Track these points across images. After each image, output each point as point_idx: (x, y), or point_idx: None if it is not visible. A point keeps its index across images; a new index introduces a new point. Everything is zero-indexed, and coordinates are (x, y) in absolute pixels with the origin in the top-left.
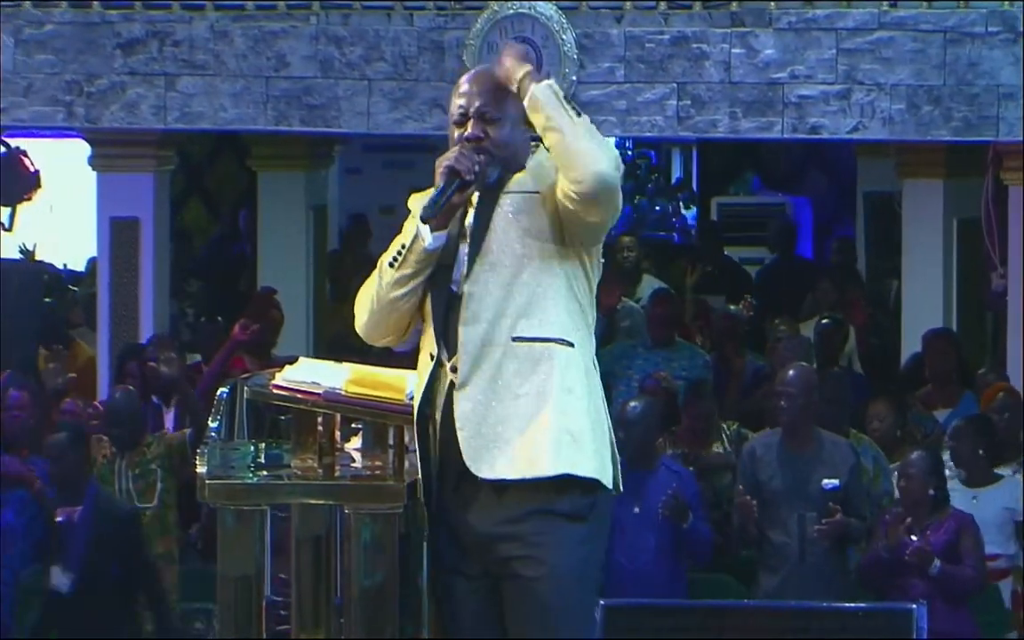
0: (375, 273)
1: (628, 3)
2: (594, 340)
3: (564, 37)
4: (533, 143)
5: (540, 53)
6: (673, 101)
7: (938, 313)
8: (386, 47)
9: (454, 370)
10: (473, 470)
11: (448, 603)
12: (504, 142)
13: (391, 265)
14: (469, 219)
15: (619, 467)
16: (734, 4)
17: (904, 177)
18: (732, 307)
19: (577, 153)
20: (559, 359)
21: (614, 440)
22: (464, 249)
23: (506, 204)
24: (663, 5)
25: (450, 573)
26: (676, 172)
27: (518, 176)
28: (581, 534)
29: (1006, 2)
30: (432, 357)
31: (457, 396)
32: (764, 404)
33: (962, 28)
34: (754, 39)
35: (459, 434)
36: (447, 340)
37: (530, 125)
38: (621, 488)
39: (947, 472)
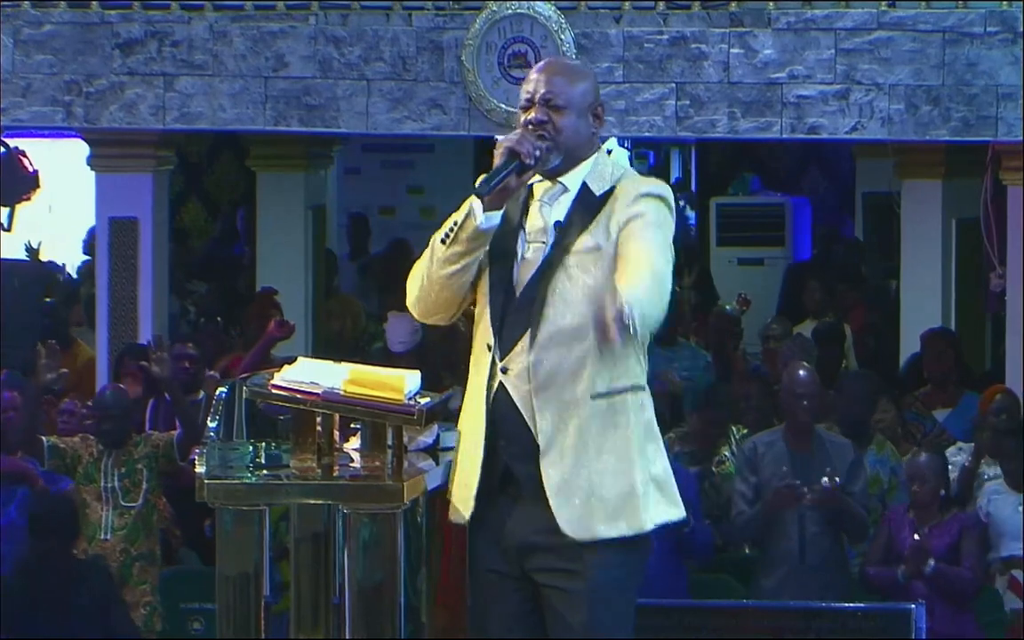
0: (427, 250)
1: (627, 3)
2: None
3: (563, 37)
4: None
5: (539, 53)
6: (672, 101)
7: (937, 313)
8: (385, 47)
9: (505, 372)
10: (571, 534)
11: (490, 603)
12: (567, 130)
13: (443, 242)
14: (533, 218)
15: None
16: (733, 4)
17: (903, 177)
18: (728, 307)
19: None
20: (634, 406)
21: None
22: (523, 244)
23: (571, 264)
24: (662, 5)
25: (492, 573)
26: (675, 173)
27: (582, 237)
28: (622, 550)
29: (1005, 2)
30: (489, 348)
31: (543, 463)
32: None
33: (961, 28)
34: (753, 39)
35: (551, 501)
36: (502, 339)
37: (597, 119)
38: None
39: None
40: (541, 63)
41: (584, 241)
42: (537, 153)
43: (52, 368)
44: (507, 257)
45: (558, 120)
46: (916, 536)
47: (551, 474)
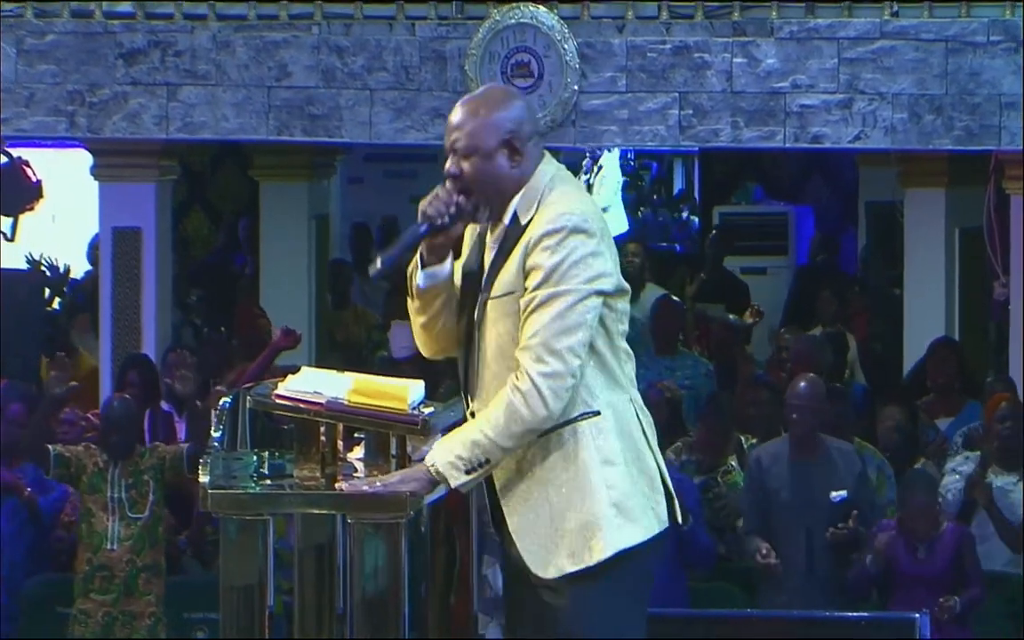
0: None
1: (630, 13)
2: (628, 379)
3: (566, 46)
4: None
5: (542, 63)
6: (675, 111)
7: (940, 322)
8: (388, 57)
9: (472, 416)
10: (542, 574)
11: (514, 607)
12: (477, 176)
13: (409, 296)
14: (486, 262)
15: (675, 499)
16: (736, 13)
17: (906, 186)
18: (732, 317)
19: (517, 444)
20: (588, 434)
21: (665, 475)
22: (484, 293)
23: (490, 312)
24: (665, 14)
25: (514, 581)
26: (678, 183)
27: (501, 278)
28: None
29: (1007, 12)
30: (464, 396)
31: (504, 506)
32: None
33: (964, 37)
34: (756, 48)
35: (519, 545)
36: (467, 385)
37: (515, 154)
38: (679, 518)
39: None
40: (457, 103)
41: (503, 282)
42: (452, 210)
43: (61, 380)
44: (471, 302)
45: (467, 167)
46: (941, 601)
47: (513, 517)
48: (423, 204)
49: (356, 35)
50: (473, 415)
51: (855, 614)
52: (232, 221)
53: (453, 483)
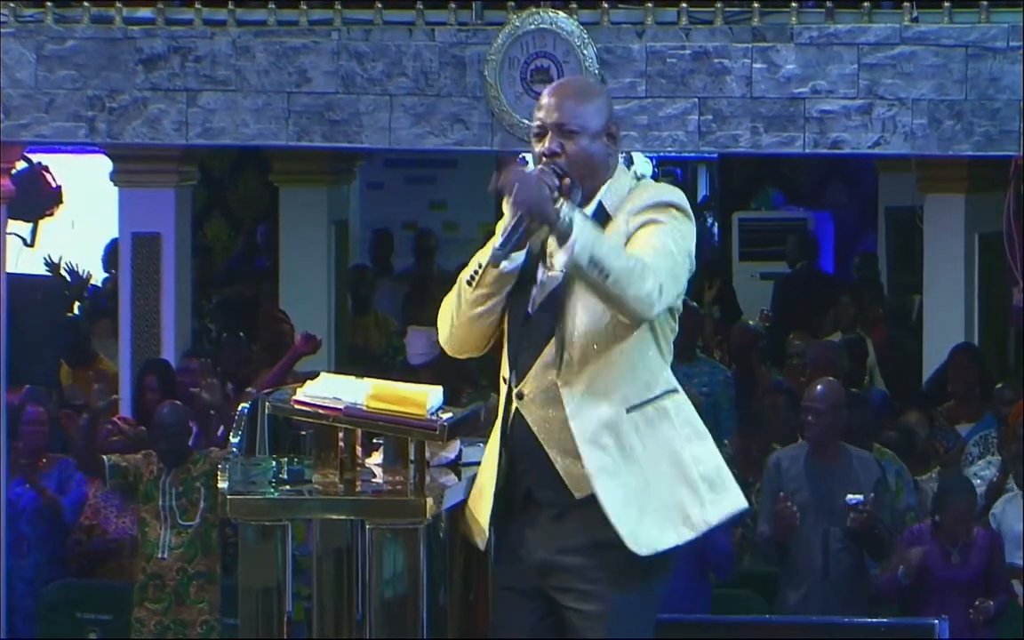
0: (455, 289)
1: (649, 18)
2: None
3: (585, 52)
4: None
5: (561, 69)
6: (694, 116)
7: (960, 328)
8: (407, 62)
9: (520, 397)
10: (637, 550)
11: (506, 621)
12: (580, 156)
13: (469, 283)
14: (553, 245)
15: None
16: (755, 19)
17: (926, 192)
18: (751, 322)
19: (620, 303)
20: (672, 410)
21: None
22: (542, 271)
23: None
24: (684, 20)
25: (506, 591)
26: (702, 190)
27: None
28: (642, 567)
29: None
30: (505, 381)
31: (597, 486)
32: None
33: (984, 43)
34: (775, 54)
35: (613, 520)
36: (517, 365)
37: (613, 141)
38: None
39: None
40: (552, 86)
41: None
42: (556, 195)
43: (103, 394)
44: (526, 286)
45: (570, 147)
46: (977, 604)
47: (606, 496)
48: (522, 196)
49: (376, 41)
50: (520, 396)
51: (874, 620)
52: (252, 227)
53: (575, 240)
